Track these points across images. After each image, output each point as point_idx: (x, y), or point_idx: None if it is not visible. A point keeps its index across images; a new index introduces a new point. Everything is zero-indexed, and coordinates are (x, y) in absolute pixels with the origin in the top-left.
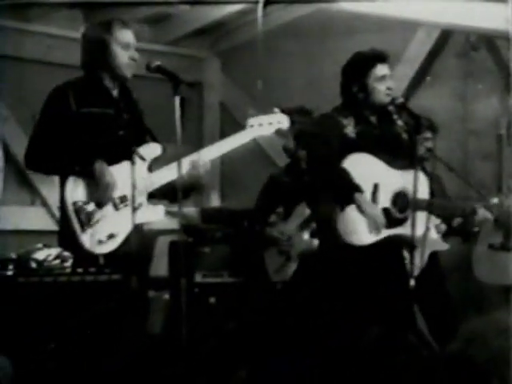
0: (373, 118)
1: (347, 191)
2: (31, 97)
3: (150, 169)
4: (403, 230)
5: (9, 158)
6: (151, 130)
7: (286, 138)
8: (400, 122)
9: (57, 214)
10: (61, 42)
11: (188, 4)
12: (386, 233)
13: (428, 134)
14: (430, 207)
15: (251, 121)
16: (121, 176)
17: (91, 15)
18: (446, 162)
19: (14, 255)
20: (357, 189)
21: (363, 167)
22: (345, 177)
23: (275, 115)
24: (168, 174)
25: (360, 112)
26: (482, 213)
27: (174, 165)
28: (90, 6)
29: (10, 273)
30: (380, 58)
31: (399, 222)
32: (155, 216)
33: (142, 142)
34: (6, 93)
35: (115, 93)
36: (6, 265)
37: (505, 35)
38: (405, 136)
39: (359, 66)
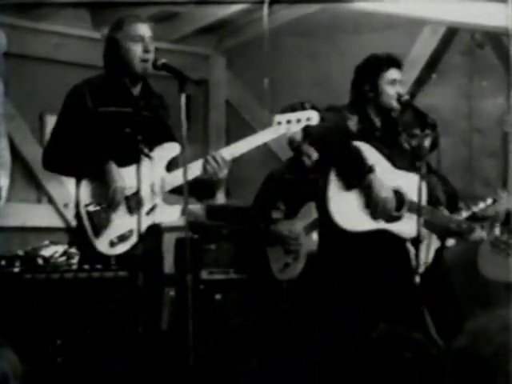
0: (377, 120)
1: (361, 170)
2: (38, 95)
3: (169, 169)
4: (394, 228)
5: (15, 155)
6: (171, 129)
7: None
8: (404, 136)
9: (63, 211)
10: (68, 41)
11: (194, 3)
12: (377, 225)
13: (427, 131)
14: (428, 214)
15: (278, 117)
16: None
17: (98, 14)
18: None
19: (20, 252)
20: (371, 169)
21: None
22: (359, 155)
23: (305, 112)
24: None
25: (365, 112)
26: (479, 233)
27: (191, 165)
28: (97, 4)
29: (17, 269)
30: (394, 62)
31: (392, 219)
32: (171, 217)
33: (161, 141)
34: (13, 91)
35: (135, 91)
36: (13, 262)
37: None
38: (406, 147)
39: (373, 67)
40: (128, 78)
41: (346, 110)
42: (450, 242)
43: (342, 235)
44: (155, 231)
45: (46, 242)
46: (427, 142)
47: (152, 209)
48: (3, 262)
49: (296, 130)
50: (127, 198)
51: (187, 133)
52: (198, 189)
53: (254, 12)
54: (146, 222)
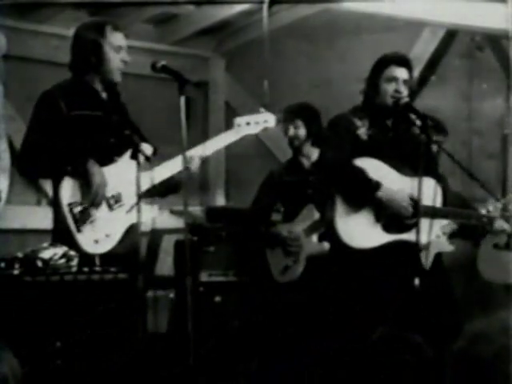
0: (389, 122)
1: (368, 189)
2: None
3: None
4: (410, 237)
5: (15, 157)
6: (140, 131)
7: (296, 128)
8: (418, 122)
9: None
10: (68, 43)
11: (193, 4)
12: (391, 237)
13: (439, 138)
14: (436, 215)
15: (238, 120)
16: (114, 176)
17: (97, 16)
18: (459, 162)
19: (20, 254)
20: (377, 185)
21: (371, 172)
22: (363, 175)
23: (262, 114)
24: (160, 174)
25: (375, 114)
26: (500, 223)
27: (165, 164)
28: (96, 5)
29: (16, 272)
30: (394, 60)
31: (407, 228)
32: (149, 215)
33: (131, 142)
34: (13, 93)
35: (104, 95)
36: (12, 264)
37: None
38: (423, 137)
39: (375, 67)
40: (99, 82)
41: (356, 116)
42: (449, 247)
43: (353, 254)
44: (135, 230)
45: (46, 244)
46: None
47: (132, 208)
48: (3, 264)
49: (255, 131)
50: (108, 198)
51: (187, 134)
52: (167, 187)
53: (254, 14)
54: (127, 221)
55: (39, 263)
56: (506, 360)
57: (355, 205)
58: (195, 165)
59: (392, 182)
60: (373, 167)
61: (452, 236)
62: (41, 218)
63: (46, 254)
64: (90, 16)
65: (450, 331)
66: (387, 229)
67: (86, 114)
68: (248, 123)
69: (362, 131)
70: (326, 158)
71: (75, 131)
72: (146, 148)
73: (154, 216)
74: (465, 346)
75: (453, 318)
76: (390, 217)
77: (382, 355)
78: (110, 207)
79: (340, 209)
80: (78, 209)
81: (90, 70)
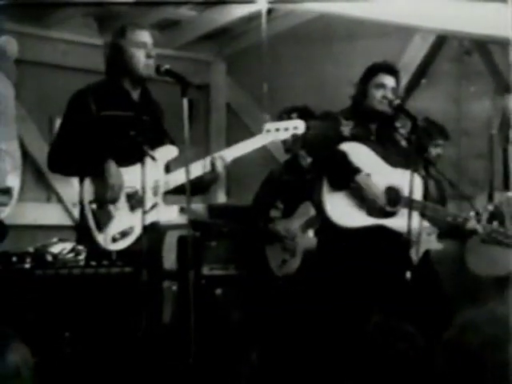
0: (373, 127)
1: (347, 173)
2: (47, 99)
3: (168, 170)
4: (390, 223)
5: (26, 156)
6: (169, 133)
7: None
8: (402, 130)
9: (71, 210)
10: (76, 48)
11: (195, 4)
12: (374, 221)
13: (440, 141)
14: (423, 209)
15: (268, 126)
16: (137, 176)
17: (104, 22)
18: (442, 173)
19: (31, 249)
20: (356, 171)
21: (357, 157)
22: (344, 159)
23: (292, 121)
24: (184, 176)
25: (361, 117)
26: (473, 224)
27: (190, 166)
28: (100, 4)
29: (27, 266)
30: (383, 68)
31: (388, 215)
32: (169, 215)
33: (159, 143)
34: (24, 95)
35: (135, 95)
36: (23, 258)
37: (503, 40)
38: (403, 144)
39: (365, 73)
40: (130, 82)
41: (342, 116)
42: (438, 245)
43: (339, 233)
44: (154, 229)
45: (55, 240)
46: (438, 151)
47: (152, 207)
48: (14, 259)
49: (283, 137)
50: (129, 196)
51: (189, 134)
52: (196, 187)
53: (253, 20)
54: (147, 219)
55: (49, 257)
56: (493, 348)
57: (337, 186)
58: (220, 166)
59: (377, 169)
60: (359, 152)
61: (441, 236)
62: (50, 214)
63: (56, 249)
64: (97, 22)
65: (440, 322)
66: (370, 212)
67: (116, 114)
68: (277, 129)
69: (346, 129)
70: (311, 143)
71: (103, 131)
72: (171, 149)
73: (173, 217)
74: (454, 335)
75: (442, 309)
76: (369, 202)
77: (377, 344)
78: (132, 207)
79: (328, 189)
80: (98, 206)
81: (120, 72)
